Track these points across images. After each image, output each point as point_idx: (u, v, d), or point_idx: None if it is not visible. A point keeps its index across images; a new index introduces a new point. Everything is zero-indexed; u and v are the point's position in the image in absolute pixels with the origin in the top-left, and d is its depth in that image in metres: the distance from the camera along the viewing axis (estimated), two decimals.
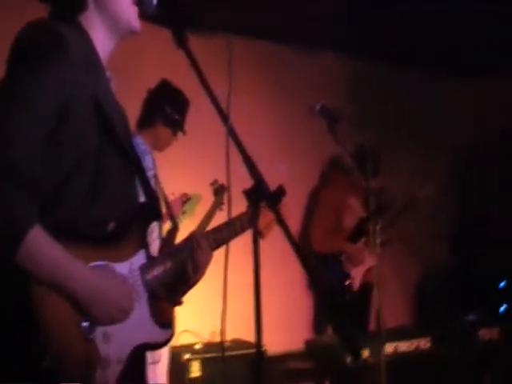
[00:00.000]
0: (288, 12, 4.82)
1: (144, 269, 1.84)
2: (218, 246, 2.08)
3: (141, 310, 1.81)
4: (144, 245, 1.86)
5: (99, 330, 1.68)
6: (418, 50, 5.73)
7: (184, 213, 3.96)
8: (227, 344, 4.50)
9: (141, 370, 1.90)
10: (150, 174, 3.78)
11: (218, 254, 2.04)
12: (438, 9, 4.96)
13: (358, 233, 5.01)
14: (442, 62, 6.14)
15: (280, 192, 1.69)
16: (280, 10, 4.74)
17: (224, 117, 1.72)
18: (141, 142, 3.78)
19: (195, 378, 4.21)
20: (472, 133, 6.47)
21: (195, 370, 4.21)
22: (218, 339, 4.45)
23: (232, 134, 1.70)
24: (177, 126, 3.87)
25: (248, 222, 2.19)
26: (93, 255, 1.69)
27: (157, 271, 1.88)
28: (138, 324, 1.79)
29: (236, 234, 2.15)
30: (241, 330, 3.67)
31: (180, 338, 4.44)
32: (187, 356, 4.21)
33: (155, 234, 2.94)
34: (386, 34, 5.34)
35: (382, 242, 3.78)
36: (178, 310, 3.74)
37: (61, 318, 1.60)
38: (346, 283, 5.02)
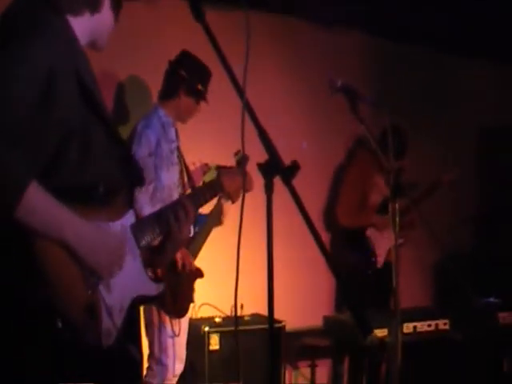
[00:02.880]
0: None
1: (134, 227, 1.96)
2: (197, 209, 2.35)
3: (135, 264, 1.95)
4: (131, 206, 1.98)
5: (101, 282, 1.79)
6: (441, 32, 5.63)
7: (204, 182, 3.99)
8: (247, 318, 4.53)
9: (136, 328, 2.07)
10: (173, 145, 3.80)
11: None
12: None
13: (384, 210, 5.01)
14: (465, 44, 6.03)
15: (294, 167, 1.67)
16: None
17: (240, 90, 1.73)
18: (164, 114, 3.79)
19: (214, 351, 4.23)
20: (497, 115, 6.38)
21: (214, 343, 4.23)
22: (238, 313, 4.47)
23: (247, 107, 1.70)
24: (200, 95, 3.86)
25: (220, 187, 2.69)
26: (87, 215, 1.76)
27: (146, 231, 2.02)
28: (134, 277, 1.94)
29: (211, 198, 2.53)
30: (261, 304, 3.69)
31: (200, 311, 4.46)
32: (206, 329, 4.23)
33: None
34: (408, 15, 5.26)
35: (405, 224, 3.74)
36: (199, 283, 3.80)
37: (65, 270, 1.69)
38: (371, 260, 5.04)
